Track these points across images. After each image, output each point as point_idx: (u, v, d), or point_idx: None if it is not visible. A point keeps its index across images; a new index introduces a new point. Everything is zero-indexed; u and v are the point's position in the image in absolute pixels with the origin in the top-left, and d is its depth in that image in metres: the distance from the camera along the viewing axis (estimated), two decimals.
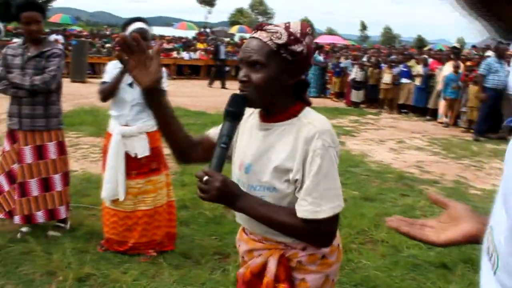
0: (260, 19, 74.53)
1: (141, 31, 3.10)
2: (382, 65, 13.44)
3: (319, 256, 1.57)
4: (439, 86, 11.43)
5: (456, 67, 10.79)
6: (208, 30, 33.75)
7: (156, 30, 31.87)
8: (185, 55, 20.54)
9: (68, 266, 3.35)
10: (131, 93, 3.44)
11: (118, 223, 3.61)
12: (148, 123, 3.47)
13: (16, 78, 3.56)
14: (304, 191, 1.43)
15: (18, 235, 3.82)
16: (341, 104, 14.18)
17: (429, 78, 12.04)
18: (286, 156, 1.47)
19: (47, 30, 25.37)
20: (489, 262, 0.69)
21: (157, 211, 3.63)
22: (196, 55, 20.70)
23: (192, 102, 12.32)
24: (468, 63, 10.88)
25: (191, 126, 9.10)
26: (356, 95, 13.73)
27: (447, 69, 11.41)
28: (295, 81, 1.52)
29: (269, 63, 1.45)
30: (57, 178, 3.81)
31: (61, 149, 3.84)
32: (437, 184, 6.09)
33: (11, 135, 3.74)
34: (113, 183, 3.49)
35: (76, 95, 11.80)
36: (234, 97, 1.51)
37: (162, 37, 24.77)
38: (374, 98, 13.65)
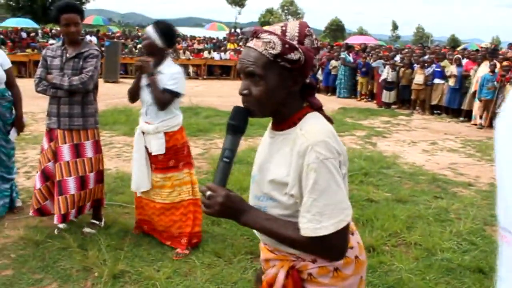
0: (290, 19, 74.39)
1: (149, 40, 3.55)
2: (415, 65, 13.23)
3: (331, 268, 1.49)
4: (474, 87, 11.18)
5: (493, 67, 10.53)
6: (238, 30, 33.85)
7: (187, 31, 32.21)
8: (215, 55, 20.68)
9: (103, 263, 3.42)
10: (147, 94, 3.60)
11: (144, 208, 3.89)
12: (168, 123, 3.63)
13: (55, 79, 3.66)
14: (303, 208, 1.37)
15: (56, 231, 3.93)
16: (372, 105, 14.03)
17: (464, 78, 11.79)
18: (281, 169, 1.42)
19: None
20: None
21: (174, 206, 3.75)
22: (227, 55, 20.81)
23: (223, 102, 12.38)
24: (505, 63, 10.59)
25: (222, 126, 9.16)
26: (387, 96, 13.56)
27: (483, 69, 11.15)
28: (299, 86, 1.45)
29: (267, 74, 1.39)
30: (91, 176, 3.89)
31: (97, 147, 3.93)
32: (471, 187, 5.96)
33: (49, 134, 3.84)
34: (137, 175, 3.74)
35: (109, 95, 12.02)
36: (236, 110, 1.46)
37: (193, 37, 25.01)
38: (406, 98, 13.45)
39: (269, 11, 73.50)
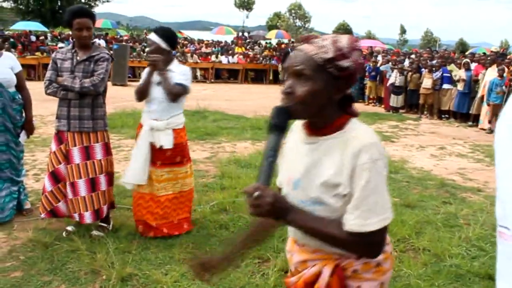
0: (298, 23, 74.44)
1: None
2: (423, 69, 13.18)
3: (374, 264, 1.56)
4: (482, 91, 11.13)
5: (502, 71, 10.48)
6: (246, 34, 33.92)
7: (194, 35, 32.31)
8: (223, 59, 20.74)
9: (112, 266, 3.43)
10: (159, 91, 3.82)
11: (143, 205, 4.01)
12: (176, 120, 3.93)
13: (66, 81, 3.69)
14: (352, 205, 1.42)
15: (64, 234, 3.95)
16: (380, 109, 13.99)
17: (474, 83, 11.73)
18: (334, 172, 1.45)
19: None
20: None
21: (175, 196, 4.03)
22: (234, 59, 20.86)
23: (230, 106, 12.42)
24: None
25: (230, 129, 9.19)
26: (395, 100, 13.52)
27: (490, 73, 11.10)
28: (340, 96, 1.49)
29: (314, 76, 1.42)
30: (102, 178, 3.92)
31: (107, 150, 3.96)
32: (480, 193, 5.93)
33: (59, 137, 3.87)
34: (137, 169, 3.90)
35: (118, 98, 12.08)
36: (277, 110, 1.47)
37: (200, 41, 25.09)
38: (414, 103, 13.41)
39: (277, 15, 73.59)
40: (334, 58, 1.41)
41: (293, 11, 74.44)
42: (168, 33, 3.93)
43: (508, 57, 13.88)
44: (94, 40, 18.92)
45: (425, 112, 13.05)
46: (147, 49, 3.99)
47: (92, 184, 3.87)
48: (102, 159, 3.90)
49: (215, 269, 1.84)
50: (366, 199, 1.40)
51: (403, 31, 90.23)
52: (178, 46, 22.01)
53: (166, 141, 3.86)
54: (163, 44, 3.83)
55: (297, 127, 1.64)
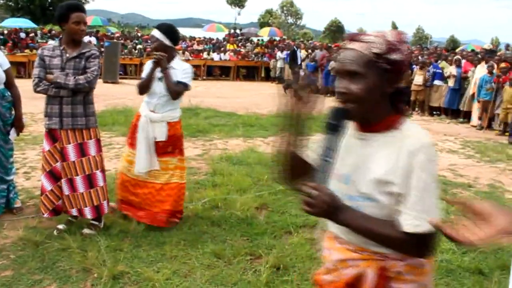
0: (290, 20, 74.42)
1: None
2: (414, 66, 13.24)
3: (417, 265, 1.56)
4: (473, 88, 11.20)
5: (491, 68, 10.55)
6: (238, 31, 33.86)
7: (186, 32, 32.20)
8: (215, 56, 20.69)
9: (103, 264, 3.42)
10: (159, 86, 3.95)
11: (128, 188, 4.18)
12: (171, 114, 4.05)
13: (59, 78, 3.66)
14: (408, 205, 1.42)
15: (55, 232, 3.92)
16: None
17: (463, 79, 11.81)
18: (387, 169, 1.46)
19: None
20: None
21: (162, 188, 4.10)
22: (226, 56, 20.83)
23: (222, 103, 12.40)
24: (503, 64, 10.60)
25: (221, 126, 9.18)
26: None
27: (480, 70, 11.17)
28: (393, 89, 1.50)
29: (367, 73, 1.44)
30: (99, 174, 3.93)
31: (99, 146, 3.97)
32: (471, 188, 5.97)
33: (51, 135, 3.84)
34: (144, 157, 4.02)
35: (109, 95, 12.02)
36: (335, 110, 1.49)
37: (192, 38, 25.01)
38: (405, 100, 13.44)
39: (269, 12, 73.49)
40: (386, 52, 1.43)
41: (285, 8, 74.41)
42: (171, 30, 4.03)
43: (498, 54, 13.99)
44: (85, 37, 18.85)
45: (417, 109, 13.11)
46: (150, 46, 4.05)
47: (89, 181, 3.87)
48: (96, 155, 3.90)
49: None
50: (422, 200, 1.41)
51: (394, 28, 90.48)
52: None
53: (159, 133, 3.99)
54: (166, 41, 3.94)
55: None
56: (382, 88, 1.47)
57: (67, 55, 3.74)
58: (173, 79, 3.93)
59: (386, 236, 1.45)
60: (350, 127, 1.59)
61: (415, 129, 1.50)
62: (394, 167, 1.44)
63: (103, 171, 4.00)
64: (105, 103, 10.44)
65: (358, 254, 1.58)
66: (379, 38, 1.45)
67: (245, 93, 15.88)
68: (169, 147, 4.08)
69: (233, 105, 12.06)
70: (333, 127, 1.46)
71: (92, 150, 3.87)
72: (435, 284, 3.41)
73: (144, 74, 4.07)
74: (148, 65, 4.06)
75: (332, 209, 1.42)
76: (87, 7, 42.97)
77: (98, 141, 3.94)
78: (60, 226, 3.99)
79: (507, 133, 9.82)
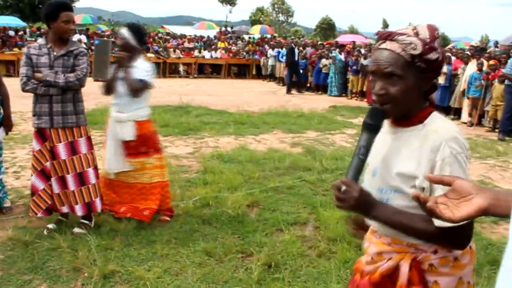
0: (281, 17, 74.36)
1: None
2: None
3: (451, 258, 1.57)
4: (463, 85, 11.26)
5: (480, 65, 10.61)
6: (229, 29, 33.79)
7: (177, 30, 32.07)
8: (206, 54, 20.64)
9: (94, 263, 3.40)
10: (122, 86, 4.00)
11: (110, 188, 4.25)
12: (138, 113, 4.08)
13: (49, 76, 3.64)
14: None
15: (45, 232, 3.90)
16: (363, 103, 14.07)
17: (453, 76, 11.87)
18: (411, 163, 1.49)
19: None
20: None
21: (144, 187, 4.17)
22: (217, 54, 20.78)
23: (214, 101, 12.38)
24: (492, 62, 10.67)
25: (213, 124, 9.16)
26: None
27: (470, 67, 11.23)
28: (429, 86, 1.54)
29: (405, 74, 1.46)
30: (90, 172, 3.91)
31: (90, 143, 3.95)
32: None
33: (41, 134, 3.81)
34: (112, 157, 4.10)
35: (99, 94, 11.92)
36: (373, 110, 1.52)
37: (183, 36, 24.92)
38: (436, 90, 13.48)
39: (260, 10, 73.38)
40: (423, 53, 1.45)
41: (276, 5, 74.31)
42: (138, 30, 4.14)
43: (488, 51, 14.07)
44: (75, 35, 18.68)
45: None
46: (118, 44, 4.07)
47: (81, 178, 3.86)
48: (87, 153, 3.88)
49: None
50: None
51: (385, 25, 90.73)
52: (161, 41, 21.86)
53: (127, 133, 4.03)
54: (132, 41, 4.02)
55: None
56: (420, 87, 1.51)
57: (55, 53, 3.71)
58: (134, 77, 3.97)
59: (419, 230, 1.48)
60: (385, 123, 1.62)
61: (440, 123, 1.52)
62: (418, 162, 1.47)
63: (95, 168, 3.98)
64: (96, 102, 10.36)
65: (392, 247, 1.63)
66: (416, 39, 1.45)
67: (236, 91, 15.86)
68: (142, 147, 4.11)
69: (224, 103, 12.03)
70: (370, 127, 1.51)
71: (83, 148, 3.86)
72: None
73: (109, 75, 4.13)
74: (114, 67, 4.12)
75: (362, 204, 1.46)
76: (76, 5, 42.85)
77: (88, 138, 3.93)
78: (50, 226, 3.96)
79: (496, 130, 9.89)
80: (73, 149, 3.81)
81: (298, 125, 9.36)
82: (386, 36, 1.50)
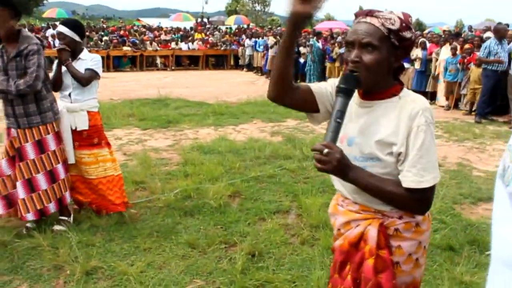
0: (258, 7, 74.03)
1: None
2: None
3: (414, 224, 1.70)
4: (438, 69, 11.39)
5: (454, 50, 10.72)
6: (205, 20, 33.52)
7: (153, 22, 31.71)
8: (183, 45, 20.45)
9: (75, 260, 3.36)
10: (69, 78, 3.98)
11: (74, 184, 4.21)
12: (90, 103, 4.09)
13: (1, 85, 3.54)
14: (408, 163, 1.56)
15: (24, 231, 3.83)
16: None
17: (428, 61, 11.98)
18: (390, 131, 1.59)
19: (43, 24, 25.23)
20: (501, 180, 0.88)
21: (100, 181, 4.15)
22: (195, 45, 20.61)
23: (192, 92, 12.29)
24: (467, 46, 10.79)
25: (192, 116, 9.10)
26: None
27: (444, 52, 11.34)
28: (398, 64, 1.65)
29: (380, 46, 1.56)
30: (59, 167, 3.86)
31: (58, 138, 3.87)
32: (440, 167, 6.02)
33: (9, 132, 3.80)
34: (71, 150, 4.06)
35: None
36: (346, 75, 1.60)
37: (160, 28, 24.64)
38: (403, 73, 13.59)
39: (236, 0, 73.00)
40: (400, 29, 1.57)
41: None
42: (77, 24, 4.08)
43: (462, 35, 14.22)
44: (48, 30, 18.30)
45: None
46: (60, 42, 4.03)
47: (52, 176, 3.80)
48: (56, 148, 3.82)
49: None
50: (422, 158, 1.55)
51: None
52: (137, 34, 21.58)
53: (80, 123, 4.02)
54: (75, 36, 3.96)
55: None
56: (390, 62, 1.61)
57: (8, 54, 3.60)
58: (82, 69, 3.96)
59: (390, 192, 1.59)
60: (354, 96, 1.69)
61: (414, 96, 1.65)
62: (396, 130, 1.58)
63: (64, 162, 3.93)
64: None
65: (360, 214, 1.73)
66: (394, 15, 1.58)
67: (215, 82, 15.76)
68: (95, 138, 4.11)
69: (202, 95, 11.96)
70: (345, 91, 1.57)
71: (51, 145, 3.79)
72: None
73: (53, 71, 4.07)
74: (56, 63, 4.06)
75: (342, 166, 1.53)
76: None
77: (56, 134, 3.85)
78: (29, 224, 3.89)
79: (473, 113, 10.03)
80: (41, 147, 3.74)
81: (278, 114, 9.35)
82: (366, 12, 1.61)
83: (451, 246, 3.72)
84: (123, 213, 4.15)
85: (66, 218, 4.00)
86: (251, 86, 14.86)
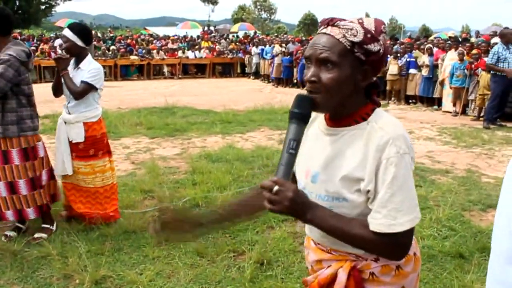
0: (264, 15, 74.37)
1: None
2: (388, 56, 13.37)
3: (394, 267, 1.45)
4: (443, 75, 11.37)
5: (461, 55, 10.70)
6: (212, 28, 33.69)
7: (160, 31, 31.92)
8: (190, 54, 20.56)
9: (84, 269, 3.36)
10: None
11: (67, 194, 4.22)
12: (85, 114, 4.02)
13: None
14: (378, 202, 1.31)
15: (4, 238, 3.87)
16: None
17: (435, 67, 11.97)
18: (356, 165, 1.34)
19: (51, 34, 25.44)
20: None
21: (97, 191, 4.16)
22: (201, 53, 20.71)
23: (199, 101, 12.33)
24: (474, 51, 10.76)
25: (199, 124, 9.13)
26: None
27: (449, 57, 11.33)
28: (367, 82, 1.38)
29: (341, 62, 1.31)
30: (21, 183, 3.77)
31: (24, 156, 3.75)
32: (448, 174, 6.05)
33: None
34: (60, 160, 4.07)
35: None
36: (300, 98, 1.36)
37: (167, 37, 24.79)
38: (381, 90, 13.60)
39: (242, 8, 73.34)
40: (364, 41, 1.32)
41: (258, 3, 74.31)
42: (83, 30, 4.00)
43: (471, 41, 14.18)
44: (56, 40, 18.38)
45: (393, 98, 13.24)
46: (63, 46, 4.01)
47: (11, 187, 3.75)
48: (19, 164, 3.73)
49: (181, 230, 1.66)
50: (393, 197, 1.29)
51: None
52: (144, 43, 21.73)
53: (75, 135, 4.01)
54: (78, 41, 3.90)
55: (317, 116, 1.53)
56: (356, 80, 1.35)
57: None
58: (78, 79, 3.91)
59: (355, 235, 1.34)
60: (320, 121, 1.50)
61: (385, 120, 1.37)
62: (362, 163, 1.33)
63: (29, 180, 3.79)
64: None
65: (331, 254, 1.50)
66: (358, 25, 1.33)
67: (222, 90, 15.82)
68: (91, 150, 4.06)
69: (210, 103, 12.00)
70: (298, 116, 1.34)
71: (15, 160, 3.71)
72: None
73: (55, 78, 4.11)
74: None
75: (297, 206, 1.30)
76: (57, 9, 42.32)
77: (22, 151, 3.73)
78: (11, 233, 3.93)
79: (481, 119, 9.98)
80: (5, 158, 3.69)
81: (285, 122, 9.25)
82: (328, 21, 1.36)
83: (461, 253, 3.69)
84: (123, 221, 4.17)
85: (48, 226, 4.01)
86: (258, 94, 14.89)
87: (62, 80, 3.93)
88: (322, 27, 1.38)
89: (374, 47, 1.33)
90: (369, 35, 1.32)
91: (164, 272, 3.41)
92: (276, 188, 1.27)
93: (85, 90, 3.91)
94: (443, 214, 4.44)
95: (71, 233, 3.97)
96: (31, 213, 3.87)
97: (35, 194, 3.85)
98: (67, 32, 3.90)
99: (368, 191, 1.33)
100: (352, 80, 1.34)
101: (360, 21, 1.35)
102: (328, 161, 1.41)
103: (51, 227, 4.03)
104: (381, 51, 1.34)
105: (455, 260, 3.61)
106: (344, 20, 1.35)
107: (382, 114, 1.40)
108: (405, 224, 1.30)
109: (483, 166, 6.53)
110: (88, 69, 3.94)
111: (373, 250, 1.39)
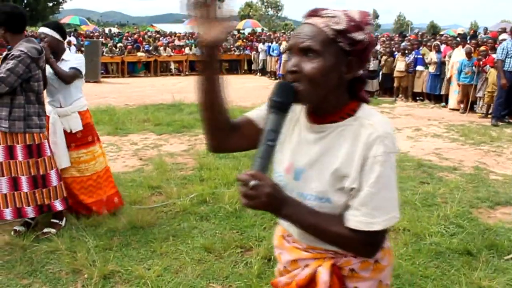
0: (270, 12, 74.26)
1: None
2: (396, 53, 13.32)
3: (372, 261, 1.42)
4: (450, 72, 11.31)
5: (469, 52, 10.63)
6: None
7: (167, 28, 31.95)
8: (197, 51, 20.54)
9: (93, 264, 3.39)
10: (57, 81, 4.06)
11: (69, 188, 4.20)
12: (79, 103, 4.22)
13: None
14: (359, 200, 1.28)
15: (12, 233, 3.90)
16: None
17: (443, 64, 11.91)
18: (342, 161, 1.30)
19: None
20: None
21: (98, 175, 4.33)
22: None
23: None
24: (482, 48, 10.69)
25: None
26: (370, 84, 13.62)
27: (456, 54, 11.27)
28: (352, 76, 1.32)
29: (324, 51, 1.25)
30: (24, 180, 3.77)
31: (29, 152, 3.75)
32: (456, 171, 6.03)
33: None
34: (58, 154, 4.08)
35: (91, 95, 11.87)
36: (280, 86, 1.29)
37: (173, 34, 24.82)
38: (388, 87, 13.55)
39: (248, 4, 73.24)
40: (347, 30, 1.26)
41: (264, 0, 74.19)
42: (58, 26, 4.25)
43: (478, 38, 14.09)
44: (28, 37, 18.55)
45: (400, 95, 13.19)
46: (44, 42, 4.07)
47: (14, 183, 3.76)
48: (23, 161, 3.73)
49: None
50: (375, 196, 1.26)
51: (375, 16, 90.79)
52: (151, 40, 21.76)
53: (74, 124, 4.16)
54: (56, 35, 4.09)
55: (301, 111, 1.45)
56: (340, 73, 1.29)
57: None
58: (66, 68, 4.06)
59: (333, 232, 1.30)
60: (303, 118, 1.43)
61: (373, 118, 1.32)
62: (349, 159, 1.29)
63: (31, 178, 3.79)
64: (88, 103, 10.29)
65: (308, 253, 1.45)
66: (340, 14, 1.27)
67: (229, 86, 15.80)
68: (89, 136, 4.26)
69: None
70: (279, 105, 1.27)
71: (19, 156, 3.72)
72: (425, 267, 3.45)
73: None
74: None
75: (274, 202, 1.23)
76: (65, 6, 42.48)
77: (27, 147, 3.73)
78: (19, 228, 3.97)
79: (489, 115, 9.92)
80: (11, 153, 3.71)
81: None
82: (311, 12, 1.31)
83: (469, 250, 3.68)
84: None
85: (57, 221, 4.04)
86: (265, 91, 14.87)
87: (47, 72, 3.97)
88: (306, 17, 1.33)
89: (358, 35, 1.27)
90: (352, 23, 1.26)
91: (171, 267, 3.43)
92: (253, 182, 1.19)
93: (75, 75, 4.11)
94: (451, 211, 4.43)
95: (79, 228, 4.01)
96: (30, 212, 3.86)
97: (36, 193, 3.84)
98: (45, 29, 4.09)
99: (352, 189, 1.29)
100: (336, 71, 1.28)
101: (345, 12, 1.30)
102: (314, 159, 1.36)
103: (60, 222, 4.06)
104: (365, 40, 1.28)
105: (463, 257, 3.60)
106: (327, 9, 1.31)
107: (371, 111, 1.36)
108: (383, 223, 1.27)
109: (491, 163, 6.50)
110: (75, 57, 4.23)
111: (346, 247, 1.35)
